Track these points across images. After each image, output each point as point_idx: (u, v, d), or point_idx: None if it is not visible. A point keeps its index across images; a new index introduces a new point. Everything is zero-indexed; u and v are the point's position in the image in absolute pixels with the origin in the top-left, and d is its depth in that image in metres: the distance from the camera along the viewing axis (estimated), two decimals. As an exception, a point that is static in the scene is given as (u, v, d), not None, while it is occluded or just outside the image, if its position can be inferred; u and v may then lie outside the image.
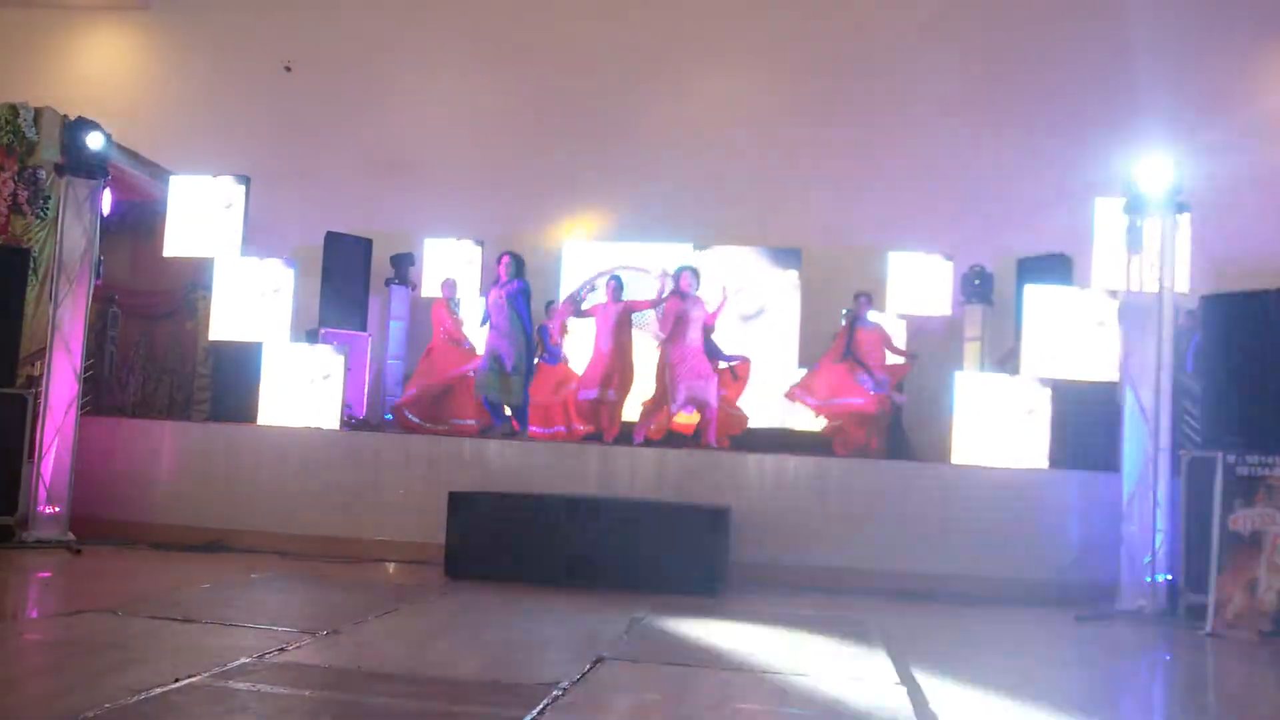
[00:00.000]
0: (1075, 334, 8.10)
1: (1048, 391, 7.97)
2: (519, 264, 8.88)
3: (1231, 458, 6.15)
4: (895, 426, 9.53)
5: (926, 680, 4.49)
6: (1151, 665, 5.64)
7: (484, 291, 10.24)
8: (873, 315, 9.57)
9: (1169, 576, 6.56)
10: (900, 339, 10.81)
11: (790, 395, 9.47)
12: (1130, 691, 5.20)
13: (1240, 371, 6.40)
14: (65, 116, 8.52)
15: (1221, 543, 6.08)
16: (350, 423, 9.25)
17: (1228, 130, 11.27)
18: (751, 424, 10.03)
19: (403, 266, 11.63)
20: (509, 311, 8.70)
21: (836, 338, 9.49)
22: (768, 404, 10.68)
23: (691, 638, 5.33)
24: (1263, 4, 11.52)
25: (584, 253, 11.71)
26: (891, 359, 9.45)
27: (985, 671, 5.11)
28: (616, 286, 9.22)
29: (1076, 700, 4.86)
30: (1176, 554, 6.53)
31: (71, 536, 7.38)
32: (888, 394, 9.12)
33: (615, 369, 9.00)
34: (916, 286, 10.99)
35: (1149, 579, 6.52)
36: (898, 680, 4.31)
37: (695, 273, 8.79)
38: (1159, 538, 6.54)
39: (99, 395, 9.76)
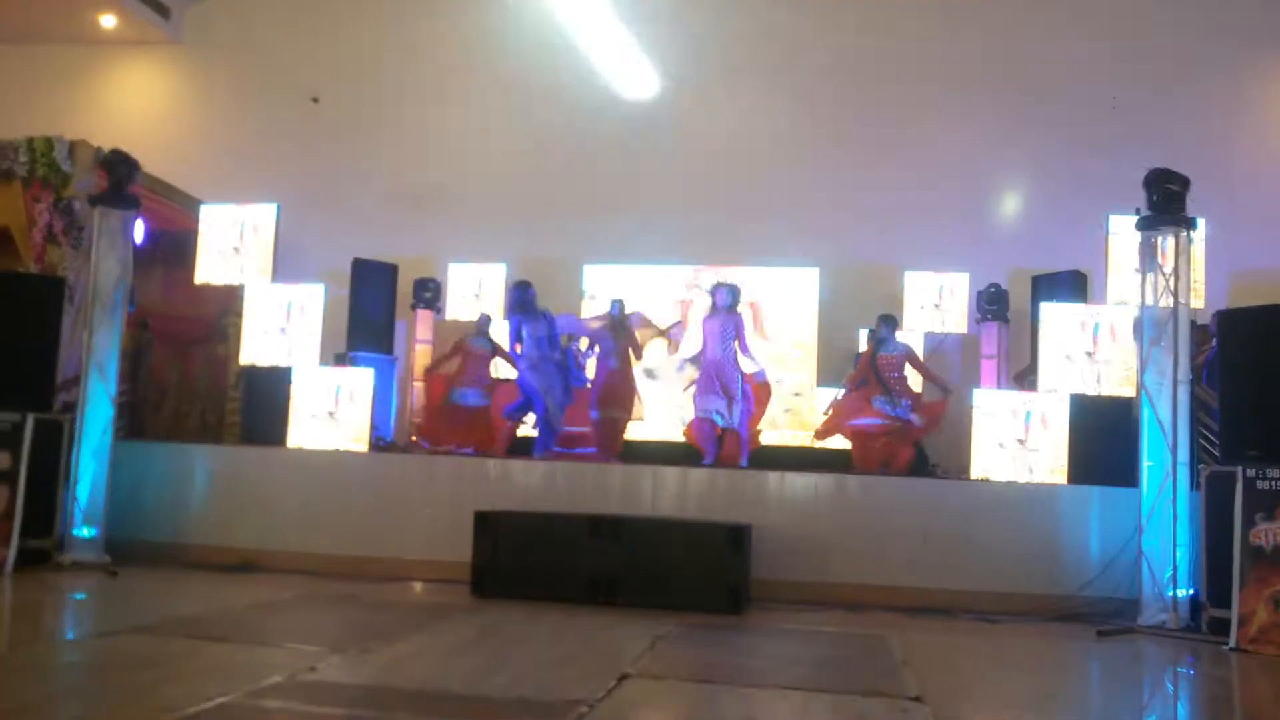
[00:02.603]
0: (1091, 350, 8.13)
1: (1065, 407, 7.98)
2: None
3: (1251, 471, 6.14)
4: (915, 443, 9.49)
5: (948, 697, 4.52)
6: (1175, 681, 5.62)
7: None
8: (899, 336, 9.43)
9: (1191, 591, 6.53)
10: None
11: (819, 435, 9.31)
12: (1154, 708, 5.18)
13: (1258, 385, 6.40)
14: (99, 149, 8.72)
15: (1243, 557, 6.07)
16: (378, 445, 9.37)
17: (1241, 143, 11.27)
18: (772, 442, 10.06)
19: (428, 290, 11.78)
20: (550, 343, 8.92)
21: (858, 364, 9.33)
22: (787, 421, 10.76)
23: (714, 655, 5.37)
24: (1276, 20, 11.51)
25: (604, 274, 11.81)
26: (917, 381, 9.21)
27: (1006, 688, 5.14)
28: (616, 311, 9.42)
29: (1099, 717, 4.88)
30: (1198, 568, 6.51)
31: (107, 558, 7.51)
32: (907, 417, 8.72)
33: (619, 388, 9.15)
34: (933, 304, 11.01)
35: (1170, 594, 6.51)
36: (919, 696, 4.34)
37: (729, 290, 8.83)
38: (1180, 552, 6.53)
39: (133, 420, 9.93)
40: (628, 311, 9.56)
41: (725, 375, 8.63)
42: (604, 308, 9.78)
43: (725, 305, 8.69)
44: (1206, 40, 11.47)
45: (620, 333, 9.32)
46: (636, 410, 9.75)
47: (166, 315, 10.59)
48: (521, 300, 8.96)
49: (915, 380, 9.18)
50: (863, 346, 9.81)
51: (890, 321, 9.14)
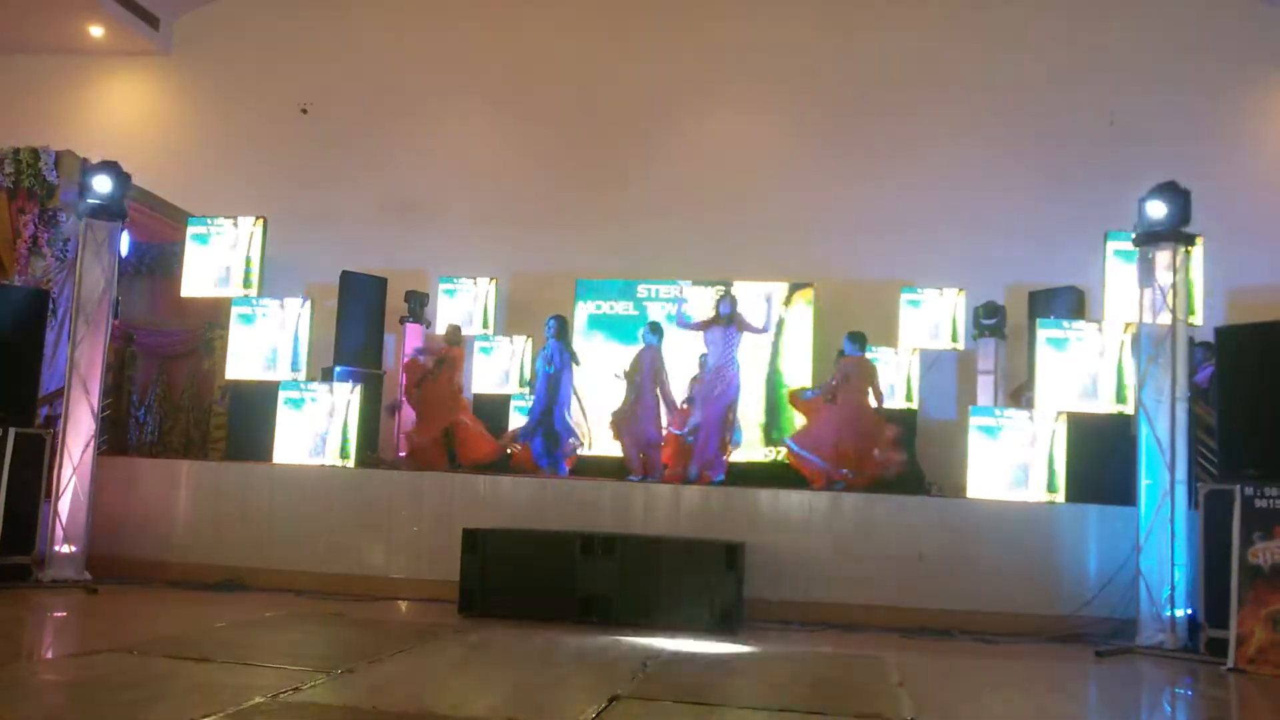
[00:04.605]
0: (1088, 367, 8.09)
1: (1062, 425, 7.92)
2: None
3: (1249, 490, 6.11)
4: (910, 461, 9.42)
5: (944, 718, 4.46)
6: (1173, 702, 5.57)
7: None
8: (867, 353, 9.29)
9: (1189, 611, 6.48)
10: (914, 372, 10.78)
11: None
12: (1152, 729, 5.14)
13: (1257, 403, 6.37)
14: (85, 160, 8.66)
15: (1241, 576, 6.03)
16: (366, 460, 9.27)
17: (1239, 159, 11.31)
18: (765, 459, 9.98)
19: (417, 304, 11.72)
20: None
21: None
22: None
23: (707, 676, 5.31)
24: (1273, 38, 11.57)
25: (598, 290, 11.77)
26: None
27: (1004, 709, 5.09)
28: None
29: (1097, 738, 4.82)
30: (1196, 588, 6.46)
31: (88, 576, 7.42)
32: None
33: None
34: (929, 321, 10.98)
35: (1168, 614, 6.45)
36: (915, 718, 4.27)
37: (730, 300, 8.73)
38: (1178, 572, 6.48)
39: (116, 434, 9.81)
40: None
41: (726, 381, 8.57)
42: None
43: (727, 314, 8.64)
44: (1204, 57, 11.54)
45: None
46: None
47: (151, 328, 10.51)
48: (559, 330, 9.08)
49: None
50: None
51: (855, 338, 8.98)
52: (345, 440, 8.63)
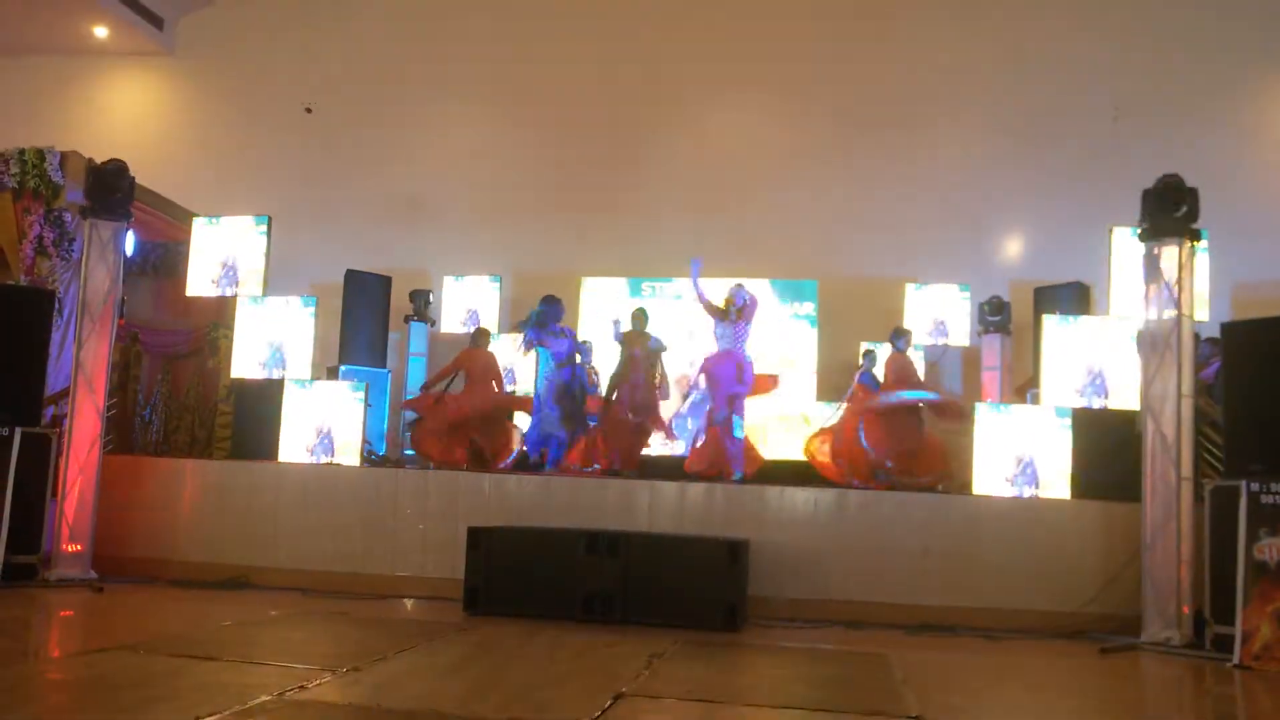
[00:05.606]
0: (1094, 363, 8.07)
1: (1068, 421, 7.91)
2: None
3: (1255, 486, 6.08)
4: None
5: (949, 715, 4.45)
6: (1179, 699, 5.56)
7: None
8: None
9: (1195, 607, 6.47)
10: (919, 370, 10.75)
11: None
12: (1157, 726, 5.12)
13: (1263, 398, 6.35)
14: (90, 160, 8.67)
15: (1247, 573, 6.01)
16: (371, 459, 9.28)
17: (1244, 154, 11.28)
18: (770, 457, 9.96)
19: (421, 302, 11.73)
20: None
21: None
22: (786, 437, 10.67)
23: (711, 673, 5.31)
24: (1277, 32, 11.54)
25: (601, 286, 11.77)
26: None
27: (1008, 706, 5.07)
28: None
29: (1102, 734, 4.81)
30: (1202, 584, 6.45)
31: (94, 575, 7.45)
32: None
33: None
34: (934, 317, 10.97)
35: (1174, 610, 6.44)
36: (920, 716, 4.26)
37: (745, 293, 8.66)
38: (1183, 568, 6.46)
39: (122, 434, 9.84)
40: None
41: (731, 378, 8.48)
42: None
43: (740, 307, 8.53)
44: (1208, 52, 11.52)
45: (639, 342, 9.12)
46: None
47: (156, 328, 10.53)
48: (554, 316, 8.82)
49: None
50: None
51: (901, 334, 9.09)
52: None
